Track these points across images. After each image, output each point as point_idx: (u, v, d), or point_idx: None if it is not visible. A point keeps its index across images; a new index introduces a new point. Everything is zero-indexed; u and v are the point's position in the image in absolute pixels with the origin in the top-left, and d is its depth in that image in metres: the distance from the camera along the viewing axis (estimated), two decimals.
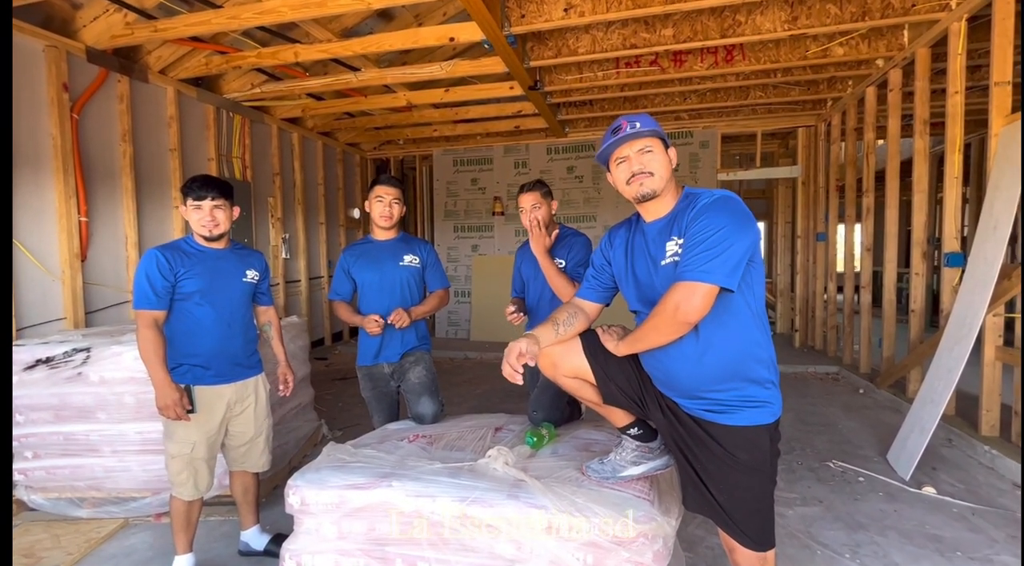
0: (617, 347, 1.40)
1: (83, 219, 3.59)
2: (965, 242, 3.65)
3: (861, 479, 2.81)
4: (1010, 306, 2.97)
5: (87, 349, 2.42)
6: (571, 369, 1.48)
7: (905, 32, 4.04)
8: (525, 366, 1.36)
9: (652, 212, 1.40)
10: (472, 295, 7.14)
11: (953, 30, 3.45)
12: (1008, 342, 3.03)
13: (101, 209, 3.80)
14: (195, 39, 3.99)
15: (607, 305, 1.58)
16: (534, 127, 6.45)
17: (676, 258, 1.29)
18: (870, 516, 2.42)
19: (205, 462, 1.97)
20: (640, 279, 1.41)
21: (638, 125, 1.34)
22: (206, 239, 1.97)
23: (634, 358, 1.44)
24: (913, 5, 3.54)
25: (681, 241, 1.28)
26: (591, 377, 1.47)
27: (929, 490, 2.64)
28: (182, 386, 1.89)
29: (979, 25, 3.58)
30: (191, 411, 1.90)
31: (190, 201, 1.91)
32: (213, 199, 1.91)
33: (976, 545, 2.17)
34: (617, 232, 1.52)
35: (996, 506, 2.48)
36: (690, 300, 1.21)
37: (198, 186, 1.90)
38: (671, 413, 1.39)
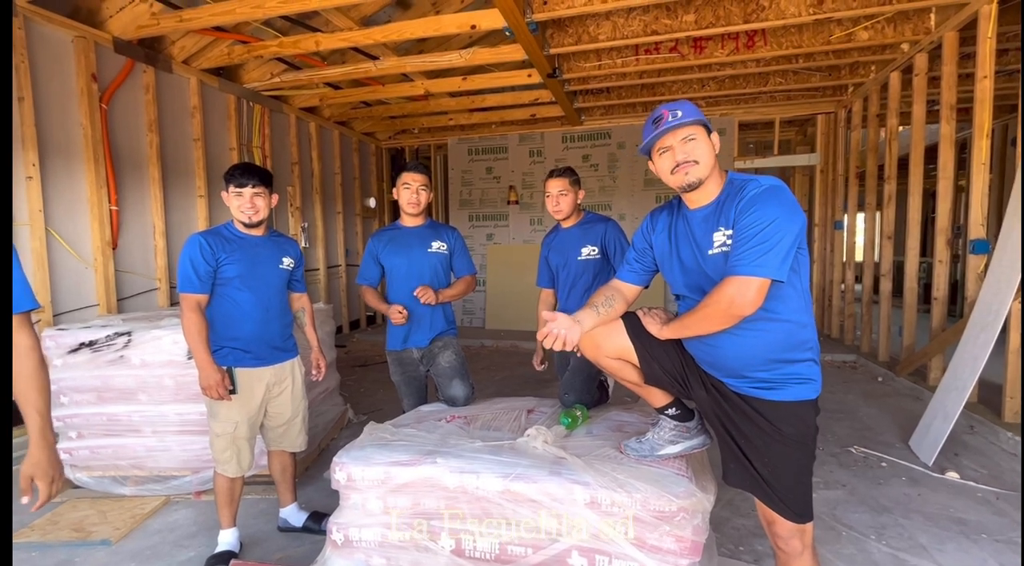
0: (661, 331, 1.43)
1: (114, 208, 3.67)
2: (989, 230, 3.61)
3: (884, 464, 2.83)
4: None
5: (128, 333, 2.49)
6: (615, 350, 1.51)
7: (932, 15, 3.97)
8: (554, 351, 1.39)
9: (696, 200, 1.41)
10: (487, 284, 7.19)
11: (983, 13, 3.39)
12: None
13: (130, 198, 3.88)
14: (218, 29, 4.03)
15: (646, 287, 1.60)
16: (550, 115, 6.43)
17: (725, 248, 1.31)
18: (894, 500, 2.45)
19: (247, 441, 2.04)
20: (687, 265, 1.43)
21: (680, 114, 1.34)
22: (246, 226, 2.02)
23: (676, 339, 1.47)
24: None
25: (730, 232, 1.30)
26: (634, 358, 1.50)
27: (952, 475, 2.66)
28: (224, 368, 1.95)
29: (1008, 8, 3.51)
30: (232, 392, 1.96)
31: (232, 188, 1.96)
32: (254, 186, 1.96)
33: (1002, 528, 2.20)
34: (659, 216, 1.54)
35: (1021, 491, 2.50)
36: (744, 294, 1.24)
37: (240, 173, 1.95)
38: (715, 391, 1.42)
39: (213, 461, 2.04)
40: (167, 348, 2.46)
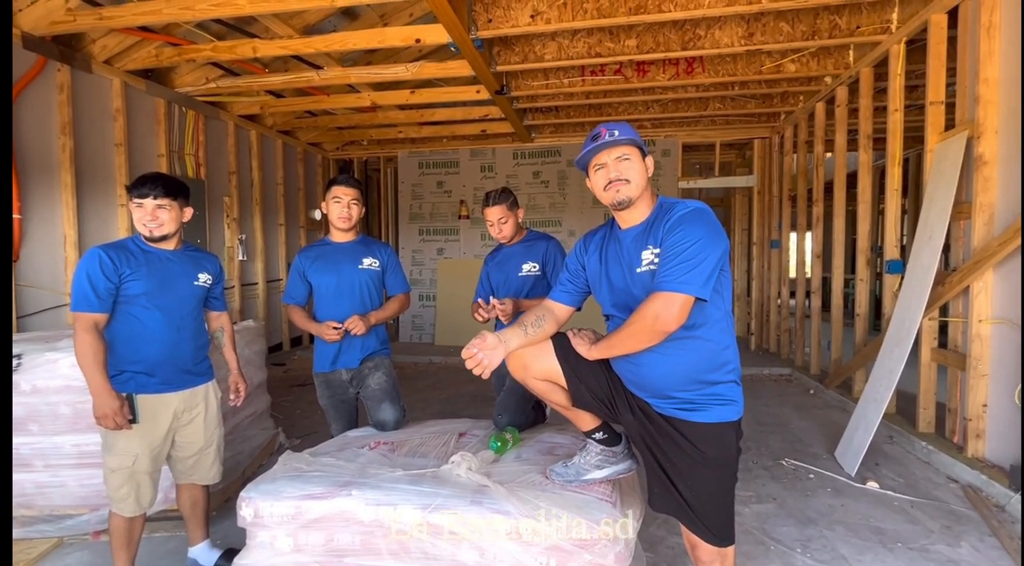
0: (589, 351, 1.42)
1: (16, 216, 3.34)
2: (904, 250, 3.88)
3: (811, 476, 2.93)
4: (943, 310, 3.18)
5: (19, 356, 2.25)
6: (542, 371, 1.48)
7: (851, 52, 4.28)
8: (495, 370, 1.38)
9: (627, 220, 1.43)
10: (437, 299, 7.07)
11: (893, 52, 3.68)
12: (942, 345, 3.24)
13: (37, 206, 3.55)
14: (144, 29, 3.80)
15: (578, 309, 1.59)
16: (501, 132, 6.46)
17: (653, 267, 1.33)
18: (819, 511, 2.52)
19: (148, 475, 1.86)
20: (615, 285, 1.43)
21: (617, 133, 1.38)
22: (150, 239, 1.87)
23: (604, 361, 1.46)
24: (858, 27, 3.76)
25: (658, 251, 1.32)
26: (562, 380, 1.48)
27: (873, 485, 2.78)
28: (123, 394, 1.78)
29: (916, 48, 3.83)
30: (133, 421, 1.79)
31: (133, 199, 1.82)
32: (156, 198, 1.81)
33: (915, 536, 2.30)
34: (592, 238, 1.55)
35: (932, 498, 2.64)
36: (669, 310, 1.25)
37: (141, 183, 1.81)
38: (641, 413, 1.42)
39: (108, 499, 1.85)
40: (64, 372, 2.23)
